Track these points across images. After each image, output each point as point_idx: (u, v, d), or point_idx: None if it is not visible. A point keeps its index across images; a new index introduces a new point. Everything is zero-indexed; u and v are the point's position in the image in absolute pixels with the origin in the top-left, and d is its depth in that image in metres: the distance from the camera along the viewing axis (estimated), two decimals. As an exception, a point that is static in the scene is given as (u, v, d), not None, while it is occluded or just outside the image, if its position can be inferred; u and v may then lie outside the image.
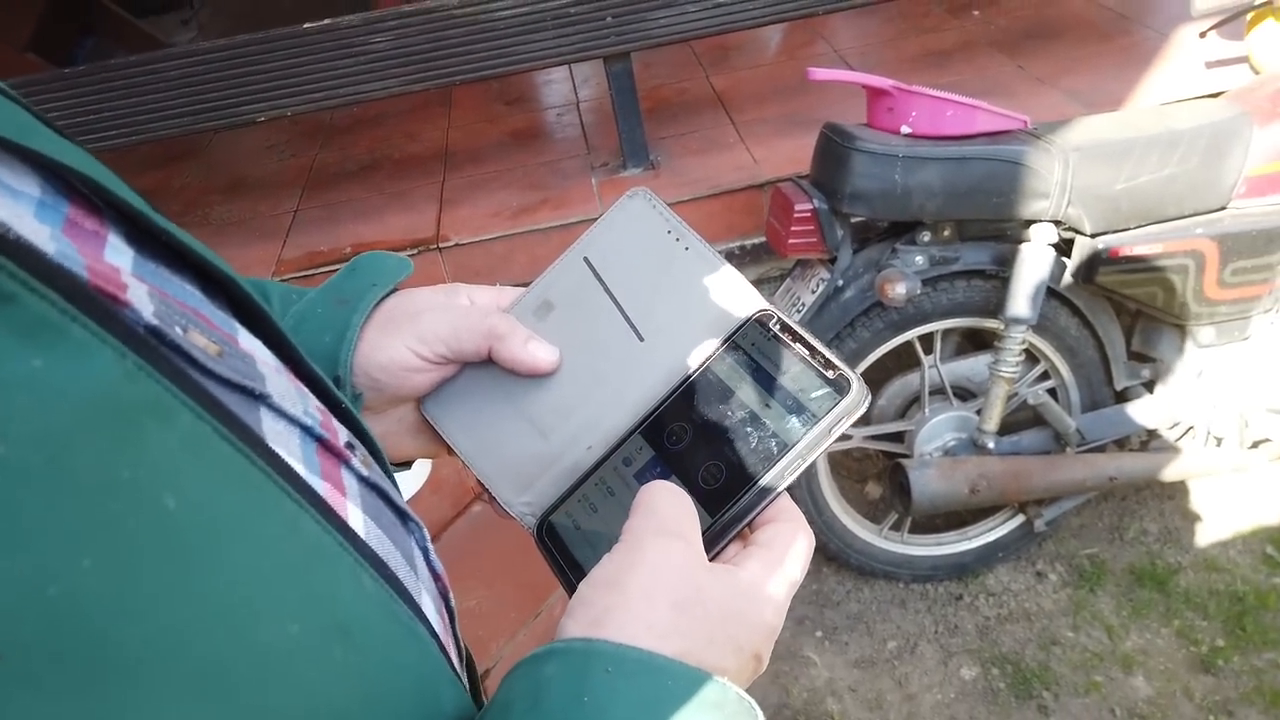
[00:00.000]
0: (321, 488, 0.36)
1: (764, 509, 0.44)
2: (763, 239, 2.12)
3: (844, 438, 1.89)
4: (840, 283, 1.72)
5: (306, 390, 0.40)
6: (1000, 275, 1.73)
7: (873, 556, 2.02)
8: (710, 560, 0.42)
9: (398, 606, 0.36)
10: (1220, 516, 2.11)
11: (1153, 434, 1.91)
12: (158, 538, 0.26)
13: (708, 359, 0.48)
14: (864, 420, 1.93)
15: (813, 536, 0.45)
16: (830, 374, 0.45)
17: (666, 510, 0.42)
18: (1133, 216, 1.66)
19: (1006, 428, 1.89)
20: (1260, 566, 2.00)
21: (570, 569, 0.47)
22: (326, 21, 2.10)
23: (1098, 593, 2.01)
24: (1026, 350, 1.79)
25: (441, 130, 2.88)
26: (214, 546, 0.28)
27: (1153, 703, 1.79)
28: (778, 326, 0.47)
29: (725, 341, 0.48)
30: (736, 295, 0.49)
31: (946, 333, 1.88)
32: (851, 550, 2.00)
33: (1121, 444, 1.92)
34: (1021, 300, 1.69)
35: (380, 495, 0.41)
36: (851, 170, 1.61)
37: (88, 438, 0.25)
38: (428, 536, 0.45)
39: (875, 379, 1.94)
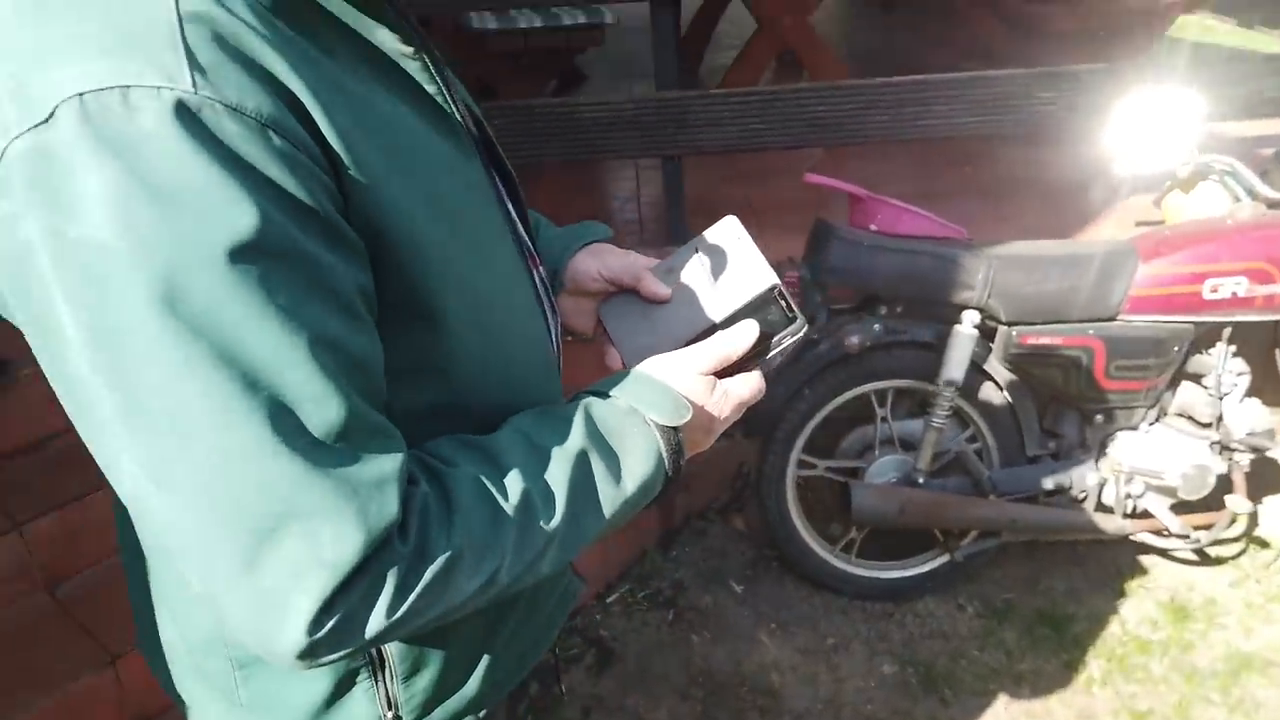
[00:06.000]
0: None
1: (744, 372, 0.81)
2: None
3: (808, 466, 2.39)
4: (815, 337, 2.26)
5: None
6: (937, 348, 2.26)
7: (824, 571, 2.49)
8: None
9: (545, 321, 0.83)
10: (1116, 582, 2.55)
11: (1052, 494, 2.38)
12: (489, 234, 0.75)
13: (740, 307, 0.82)
14: (828, 454, 2.44)
15: (761, 389, 0.81)
16: (790, 315, 0.82)
17: (698, 349, 0.79)
18: (1039, 314, 2.20)
19: (939, 473, 2.38)
20: (1143, 624, 2.43)
21: None
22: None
23: (1005, 626, 2.44)
24: (958, 412, 2.30)
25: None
26: (496, 242, 0.76)
27: (1034, 707, 2.21)
28: (776, 293, 0.82)
29: (751, 299, 0.82)
30: (764, 274, 0.83)
31: (899, 395, 2.39)
32: (808, 562, 2.47)
33: (1033, 499, 2.40)
34: (950, 366, 2.21)
35: (547, 292, 0.87)
36: (830, 251, 2.18)
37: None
38: (560, 329, 0.91)
39: (842, 427, 2.45)
